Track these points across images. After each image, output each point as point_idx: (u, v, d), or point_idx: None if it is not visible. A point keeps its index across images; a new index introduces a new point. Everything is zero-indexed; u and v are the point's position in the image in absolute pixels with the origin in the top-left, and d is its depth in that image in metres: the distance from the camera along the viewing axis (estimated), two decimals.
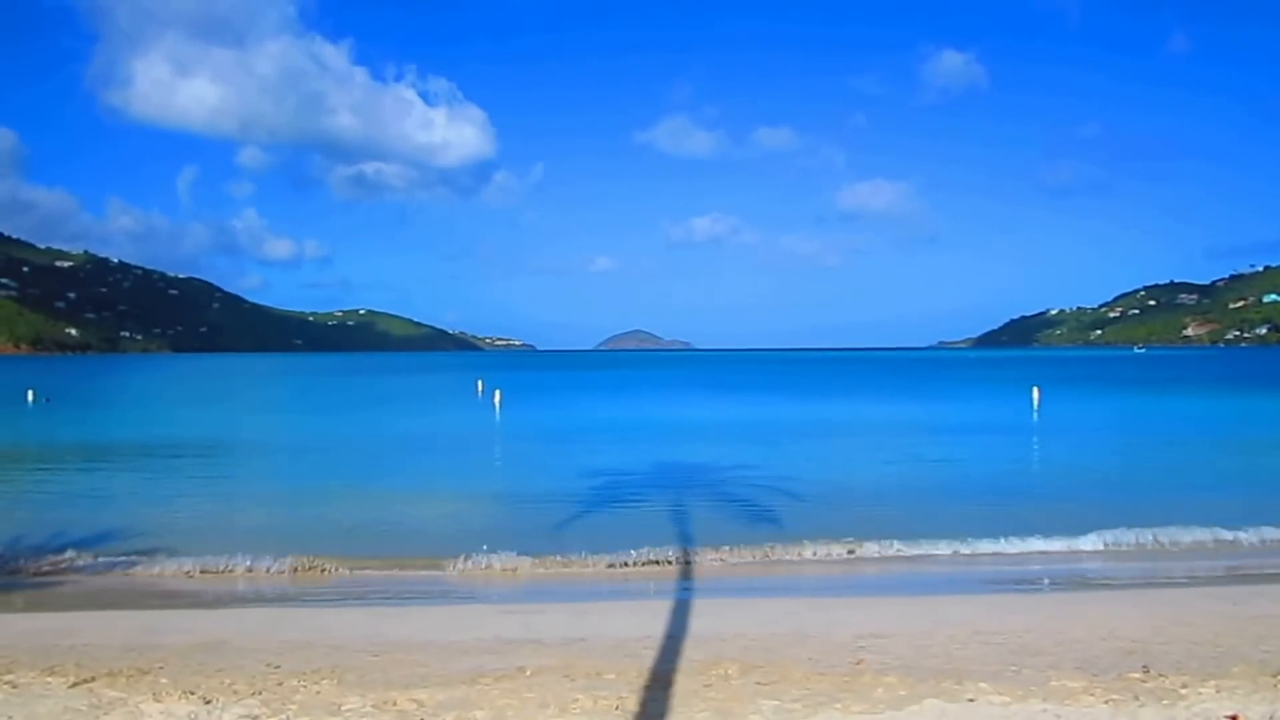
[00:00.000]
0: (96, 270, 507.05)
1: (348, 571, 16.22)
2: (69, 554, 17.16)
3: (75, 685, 8.90)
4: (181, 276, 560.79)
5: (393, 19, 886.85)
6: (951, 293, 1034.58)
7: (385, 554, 17.54)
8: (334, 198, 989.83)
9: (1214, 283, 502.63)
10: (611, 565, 16.11)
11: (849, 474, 29.31)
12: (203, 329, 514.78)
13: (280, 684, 8.94)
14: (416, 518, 21.46)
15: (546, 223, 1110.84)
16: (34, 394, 70.55)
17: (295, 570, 16.26)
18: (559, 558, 16.49)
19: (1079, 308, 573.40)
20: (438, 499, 24.30)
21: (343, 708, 8.20)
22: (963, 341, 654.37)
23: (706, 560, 16.38)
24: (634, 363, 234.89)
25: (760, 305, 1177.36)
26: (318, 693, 8.65)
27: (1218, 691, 8.31)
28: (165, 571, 16.13)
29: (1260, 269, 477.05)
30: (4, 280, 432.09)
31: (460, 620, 12.27)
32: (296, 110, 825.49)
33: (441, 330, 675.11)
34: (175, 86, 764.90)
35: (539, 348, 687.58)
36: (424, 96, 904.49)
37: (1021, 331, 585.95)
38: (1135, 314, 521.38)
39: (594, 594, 14.37)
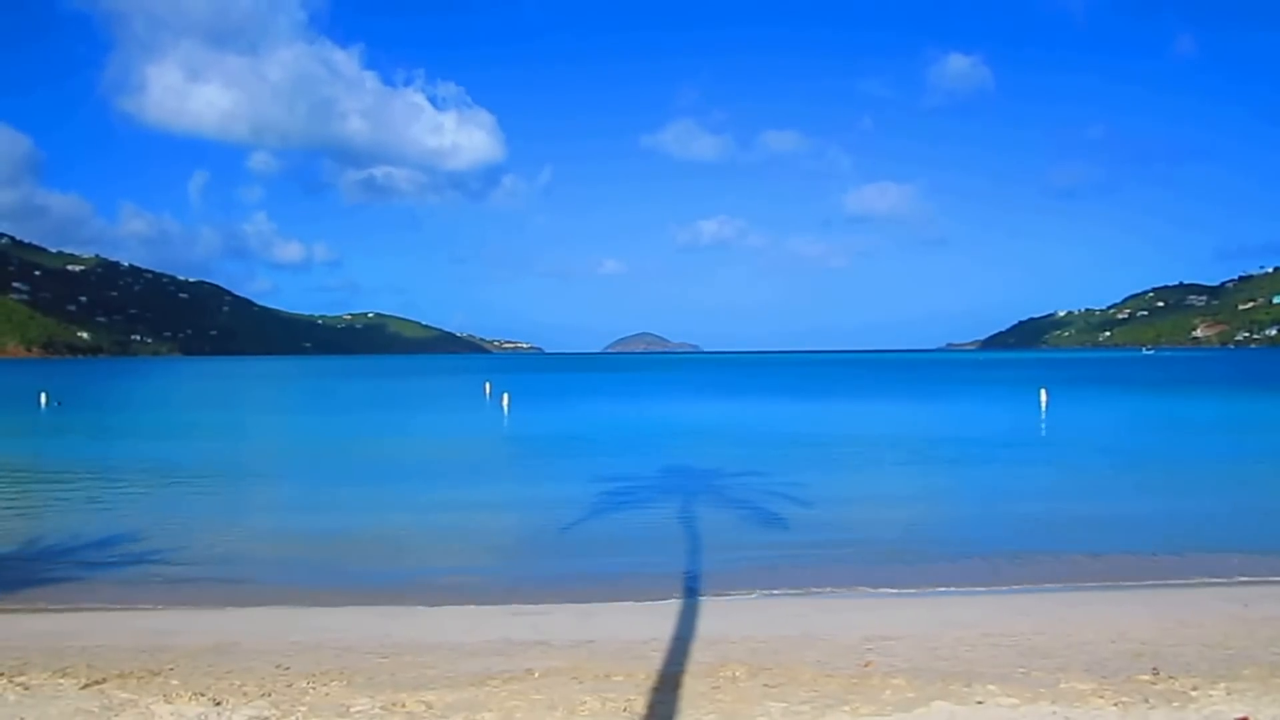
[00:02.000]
0: (108, 274, 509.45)
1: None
2: (80, 556, 17.27)
3: (86, 686, 8.95)
4: (192, 280, 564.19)
5: (402, 24, 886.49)
6: (959, 295, 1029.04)
7: (389, 563, 17.56)
8: (344, 201, 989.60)
9: (1223, 284, 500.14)
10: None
11: (853, 483, 29.28)
12: (213, 332, 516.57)
13: (290, 685, 8.97)
14: (423, 524, 21.40)
15: (554, 225, 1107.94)
16: (46, 397, 70.92)
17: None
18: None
19: (1087, 309, 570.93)
20: (445, 504, 24.23)
21: (352, 709, 8.23)
22: (970, 343, 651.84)
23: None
24: (642, 365, 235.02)
25: (767, 308, 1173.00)
26: (327, 694, 8.68)
27: (1228, 694, 8.27)
28: (175, 573, 16.17)
29: (1269, 270, 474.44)
30: (17, 284, 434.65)
31: (468, 622, 12.28)
32: (307, 115, 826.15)
33: (450, 333, 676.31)
34: (188, 92, 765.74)
35: (547, 350, 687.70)
36: (433, 101, 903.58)
37: (1029, 333, 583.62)
38: (1144, 315, 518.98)
39: (601, 595, 14.34)
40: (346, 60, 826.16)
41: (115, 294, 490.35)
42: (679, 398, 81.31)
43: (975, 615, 12.10)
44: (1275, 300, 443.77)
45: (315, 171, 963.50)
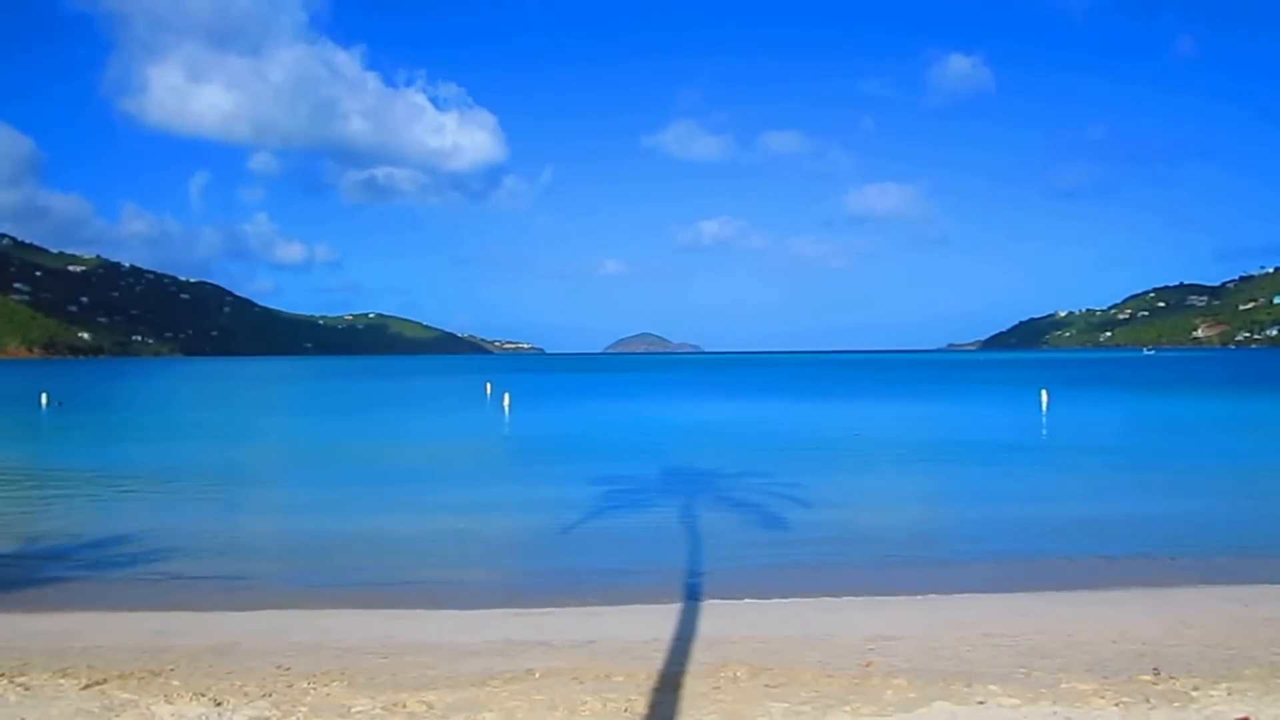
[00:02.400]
0: (109, 274, 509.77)
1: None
2: (80, 556, 17.27)
3: (87, 687, 8.95)
4: (193, 280, 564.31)
5: (404, 25, 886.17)
6: (960, 295, 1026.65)
7: (390, 564, 17.50)
8: (345, 202, 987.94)
9: (1224, 284, 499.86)
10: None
11: (853, 484, 29.27)
12: (214, 333, 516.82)
13: (290, 686, 8.97)
14: (424, 526, 21.30)
15: (556, 226, 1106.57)
16: (47, 397, 71.02)
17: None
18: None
19: (1088, 309, 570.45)
20: (446, 506, 24.13)
21: (352, 710, 8.23)
22: (971, 344, 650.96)
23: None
24: (643, 365, 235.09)
25: (769, 308, 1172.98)
26: (328, 695, 8.68)
27: (1229, 694, 8.28)
28: (176, 574, 16.16)
29: (1270, 270, 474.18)
30: (18, 285, 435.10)
31: (469, 622, 12.28)
32: (309, 116, 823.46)
33: (451, 333, 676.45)
34: (189, 93, 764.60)
35: (548, 350, 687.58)
36: (434, 101, 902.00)
37: (1030, 333, 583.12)
38: (1145, 316, 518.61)
39: (602, 596, 14.33)
40: (348, 61, 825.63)
41: (116, 294, 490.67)
42: (680, 398, 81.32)
43: (976, 615, 12.09)
44: (1276, 300, 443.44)
45: (316, 172, 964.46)
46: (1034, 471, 30.35)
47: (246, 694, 8.70)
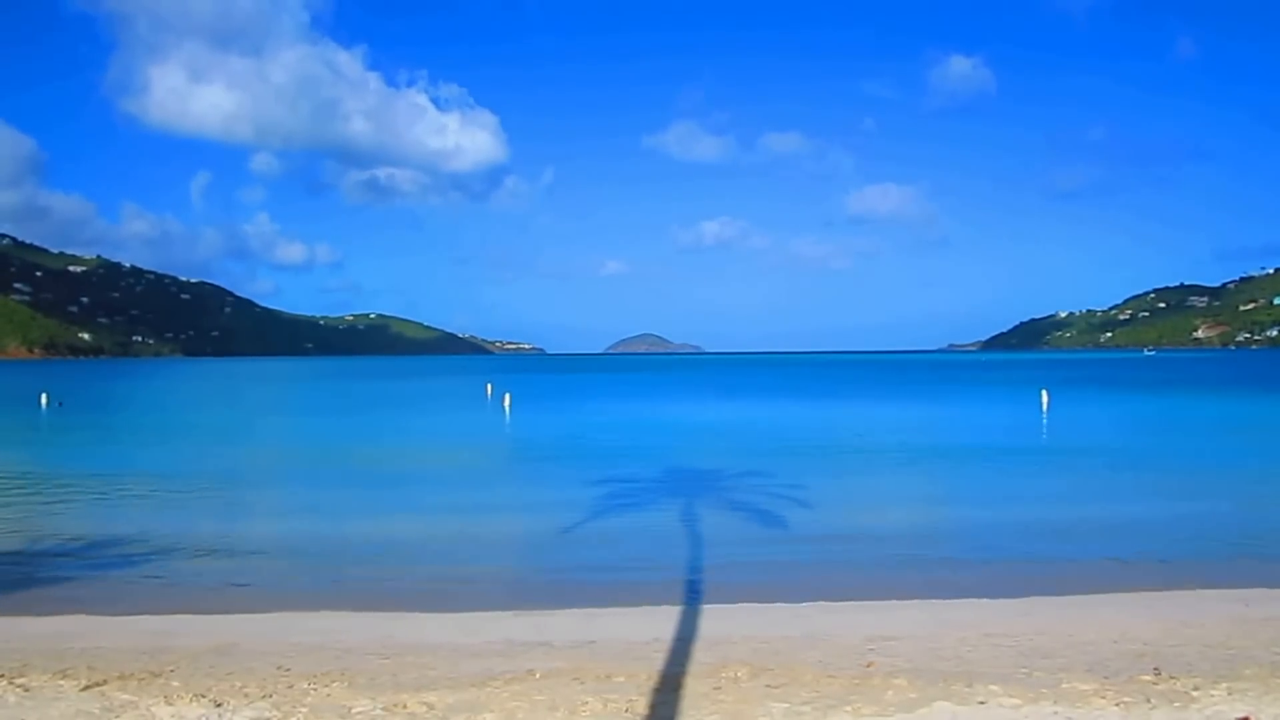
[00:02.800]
0: (109, 275, 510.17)
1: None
2: (80, 558, 17.27)
3: (87, 688, 8.95)
4: (194, 281, 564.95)
5: (405, 25, 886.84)
6: (960, 295, 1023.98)
7: (390, 565, 17.49)
8: (346, 202, 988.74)
9: (1224, 285, 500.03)
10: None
11: (854, 485, 29.26)
12: (215, 333, 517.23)
13: (291, 687, 8.97)
14: (424, 528, 21.26)
15: (557, 226, 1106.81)
16: (47, 398, 71.07)
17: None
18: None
19: (1088, 310, 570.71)
20: (446, 507, 24.10)
21: (353, 710, 8.23)
22: (972, 344, 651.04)
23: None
24: (643, 366, 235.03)
25: (770, 309, 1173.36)
26: (328, 695, 8.68)
27: (1229, 694, 8.27)
28: (176, 575, 16.16)
29: (1270, 271, 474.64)
30: (18, 285, 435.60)
31: (470, 623, 12.27)
32: (310, 116, 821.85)
33: (452, 334, 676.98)
34: (191, 93, 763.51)
35: (549, 351, 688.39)
36: (436, 102, 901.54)
37: (1031, 334, 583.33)
38: (1145, 316, 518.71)
39: (603, 597, 14.33)
40: (349, 61, 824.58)
41: (117, 295, 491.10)
42: (681, 399, 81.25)
43: (977, 616, 12.08)
44: (1276, 301, 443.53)
45: (318, 172, 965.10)
46: (1034, 472, 30.34)
47: (247, 695, 8.69)
